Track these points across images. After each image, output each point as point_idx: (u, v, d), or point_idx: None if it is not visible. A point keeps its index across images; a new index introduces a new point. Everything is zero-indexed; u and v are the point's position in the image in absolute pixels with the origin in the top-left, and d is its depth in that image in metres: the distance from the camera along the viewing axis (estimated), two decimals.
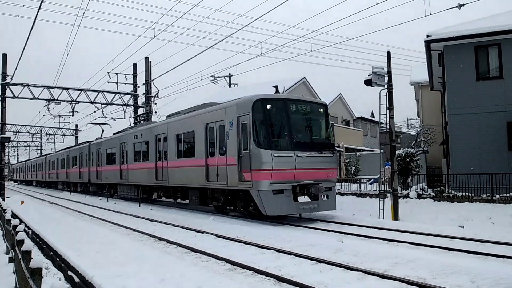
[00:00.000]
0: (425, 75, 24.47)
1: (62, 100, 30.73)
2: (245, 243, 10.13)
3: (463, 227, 11.60)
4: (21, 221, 15.68)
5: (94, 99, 30.86)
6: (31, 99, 29.15)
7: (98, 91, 30.95)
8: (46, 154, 53.64)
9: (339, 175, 22.60)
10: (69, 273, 8.39)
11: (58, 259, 9.73)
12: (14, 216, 16.01)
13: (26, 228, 14.14)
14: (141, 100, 32.84)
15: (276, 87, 14.85)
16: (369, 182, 23.12)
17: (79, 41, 35.23)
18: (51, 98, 30.05)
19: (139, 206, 21.42)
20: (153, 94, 31.60)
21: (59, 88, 29.94)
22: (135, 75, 33.51)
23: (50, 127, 56.36)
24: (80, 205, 24.56)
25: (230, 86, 42.49)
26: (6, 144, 36.47)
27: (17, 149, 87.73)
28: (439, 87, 24.51)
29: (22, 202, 25.28)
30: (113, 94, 31.55)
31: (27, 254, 5.16)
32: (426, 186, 18.45)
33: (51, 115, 39.45)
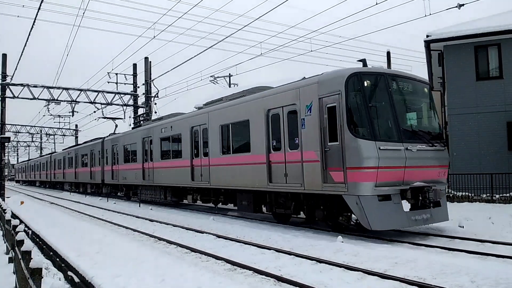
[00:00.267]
0: (425, 75, 24.47)
1: (62, 100, 30.75)
2: (245, 243, 10.13)
3: (463, 227, 11.59)
4: (21, 221, 15.68)
5: (94, 99, 30.88)
6: (31, 99, 29.17)
7: (98, 91, 30.97)
8: (52, 153, 51.01)
9: None
10: (69, 273, 8.39)
11: (58, 259, 9.73)
12: (14, 216, 16.01)
13: (26, 228, 14.14)
14: (141, 100, 32.88)
15: (363, 60, 11.17)
16: None
17: (79, 41, 35.25)
18: (51, 98, 30.06)
19: (139, 206, 21.42)
20: (153, 94, 31.63)
21: (59, 88, 29.95)
22: (135, 75, 33.52)
23: (50, 127, 56.42)
24: (80, 205, 24.56)
25: (230, 86, 42.48)
26: (6, 144, 36.48)
27: (17, 149, 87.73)
28: (439, 87, 24.53)
29: (22, 202, 25.28)
30: (113, 94, 31.56)
31: (27, 254, 5.16)
32: None
33: (51, 115, 39.58)
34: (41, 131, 60.04)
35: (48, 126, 55.88)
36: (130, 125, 31.33)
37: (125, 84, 32.68)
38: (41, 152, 71.27)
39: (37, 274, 4.41)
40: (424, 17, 15.32)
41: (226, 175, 14.51)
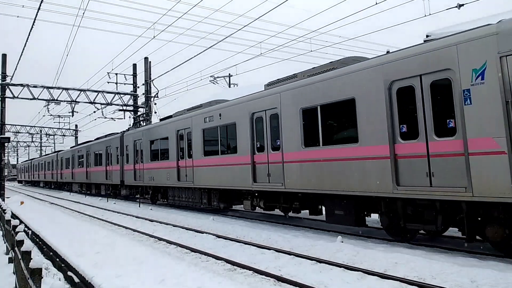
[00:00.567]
0: None
1: (61, 101, 30.72)
2: (245, 243, 10.14)
3: None
4: (21, 222, 15.69)
5: (94, 100, 30.86)
6: (30, 99, 29.15)
7: (98, 92, 30.95)
8: (58, 151, 46.84)
9: None
10: (69, 273, 8.39)
11: (58, 260, 9.73)
12: (14, 216, 16.02)
13: (26, 229, 14.14)
14: (141, 100, 32.87)
15: None
16: None
17: (79, 41, 35.26)
18: (51, 98, 30.04)
19: (139, 206, 21.41)
20: (152, 94, 31.60)
21: (58, 88, 29.94)
22: (134, 75, 33.51)
23: (50, 128, 56.41)
24: (79, 205, 24.57)
25: (229, 86, 42.49)
26: (6, 144, 36.47)
27: (17, 149, 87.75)
28: None
29: (22, 203, 25.28)
30: (113, 94, 31.55)
31: (26, 255, 5.17)
32: None
33: (51, 115, 39.49)
34: (41, 131, 60.05)
35: (48, 126, 55.92)
36: (130, 125, 31.33)
37: (125, 84, 32.68)
38: (41, 153, 71.17)
39: (37, 274, 4.41)
40: (424, 17, 15.32)
41: (308, 175, 11.02)
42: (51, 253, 10.65)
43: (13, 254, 8.02)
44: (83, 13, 25.08)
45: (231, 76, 42.27)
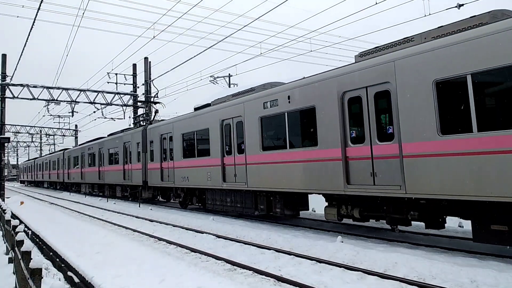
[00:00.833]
0: None
1: (61, 101, 30.70)
2: (245, 243, 10.14)
3: (462, 227, 11.59)
4: (21, 222, 15.69)
5: (94, 100, 30.84)
6: (30, 99, 29.14)
7: (98, 92, 30.94)
8: (65, 149, 43.09)
9: None
10: (69, 273, 8.40)
11: (58, 260, 9.74)
12: (14, 216, 16.02)
13: (26, 229, 14.14)
14: (141, 100, 32.86)
15: None
16: None
17: (79, 41, 35.28)
18: (51, 98, 30.02)
19: (139, 206, 21.41)
20: (152, 95, 31.60)
21: (58, 88, 29.93)
22: (134, 75, 33.52)
23: (50, 128, 56.41)
24: (79, 205, 24.58)
25: (229, 86, 42.47)
26: (6, 144, 36.48)
27: (17, 149, 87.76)
28: None
29: (21, 203, 25.28)
30: (113, 95, 31.56)
31: (26, 255, 5.17)
32: None
33: (51, 115, 39.48)
34: (40, 131, 60.03)
35: (47, 126, 55.92)
36: (129, 125, 31.33)
37: (124, 84, 32.69)
38: (41, 153, 71.13)
39: (37, 274, 4.41)
40: (423, 17, 15.32)
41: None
42: (51, 253, 10.65)
43: (13, 254, 8.02)
44: (83, 13, 25.09)
45: (231, 76, 42.27)
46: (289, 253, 8.70)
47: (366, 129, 9.54)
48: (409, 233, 10.92)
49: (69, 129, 57.24)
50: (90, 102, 30.83)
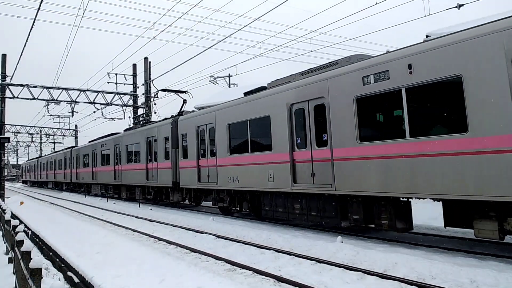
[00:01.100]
0: None
1: (61, 101, 30.76)
2: (245, 243, 10.14)
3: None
4: (21, 222, 15.70)
5: (94, 100, 30.90)
6: (30, 99, 29.18)
7: (98, 92, 31.00)
8: (72, 147, 40.20)
9: None
10: (69, 273, 8.39)
11: (57, 260, 9.74)
12: (14, 216, 16.03)
13: (26, 229, 14.15)
14: (141, 100, 32.91)
15: None
16: None
17: (79, 41, 35.27)
18: (51, 98, 30.07)
19: (139, 206, 21.41)
20: (152, 95, 31.63)
21: (58, 88, 29.98)
22: (134, 75, 33.57)
23: (50, 128, 56.47)
24: (79, 205, 24.58)
25: (229, 87, 42.51)
26: (6, 144, 36.48)
27: (17, 149, 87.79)
28: None
29: (21, 203, 25.28)
30: (113, 95, 31.59)
31: (26, 255, 5.17)
32: None
33: (51, 115, 39.57)
34: (40, 131, 60.10)
35: (47, 126, 55.98)
36: (130, 125, 31.33)
37: (124, 84, 32.76)
38: (40, 153, 71.08)
39: (36, 274, 4.41)
40: (424, 17, 15.34)
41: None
42: (51, 253, 10.65)
43: (13, 254, 8.03)
44: (83, 13, 25.10)
45: (231, 76, 42.30)
46: (289, 253, 8.71)
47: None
48: (408, 232, 10.91)
49: (69, 129, 57.33)
50: (90, 102, 30.88)
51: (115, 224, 15.15)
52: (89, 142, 32.67)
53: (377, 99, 9.26)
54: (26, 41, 20.45)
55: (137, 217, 16.90)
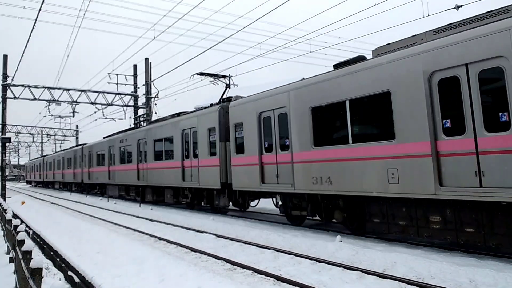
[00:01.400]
0: None
1: (62, 101, 30.84)
2: (245, 243, 10.16)
3: None
4: (22, 221, 15.74)
5: (95, 100, 30.98)
6: (31, 100, 29.26)
7: (99, 92, 31.07)
8: (83, 144, 35.90)
9: None
10: (69, 273, 8.43)
11: (58, 259, 9.77)
12: (15, 216, 16.06)
13: (27, 228, 14.19)
14: (141, 101, 32.97)
15: None
16: None
17: (80, 42, 35.31)
18: (52, 99, 30.15)
19: (139, 206, 21.43)
20: (153, 95, 31.68)
21: (59, 89, 30.05)
22: (135, 76, 33.63)
23: (51, 128, 56.56)
24: (80, 205, 24.61)
25: (229, 87, 42.53)
26: (7, 144, 36.52)
27: (18, 149, 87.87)
28: None
29: (23, 203, 25.33)
30: (114, 95, 31.65)
31: (27, 254, 5.20)
32: None
33: (52, 115, 39.62)
34: (41, 131, 60.15)
35: (48, 126, 56.08)
36: (130, 125, 31.38)
37: (125, 85, 32.83)
38: (42, 153, 71.08)
39: (37, 274, 4.43)
40: (423, 18, 15.36)
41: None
42: (51, 253, 10.69)
43: (14, 254, 8.06)
44: (84, 14, 25.13)
45: (231, 76, 42.31)
46: (289, 253, 8.73)
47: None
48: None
49: (70, 129, 57.40)
50: (91, 103, 30.95)
51: (115, 224, 15.18)
52: (104, 138, 29.36)
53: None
54: (27, 41, 20.51)
55: (137, 217, 16.93)
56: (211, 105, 16.72)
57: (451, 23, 8.74)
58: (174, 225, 13.86)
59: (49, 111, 34.85)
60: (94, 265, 8.05)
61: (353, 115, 9.95)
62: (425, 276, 6.75)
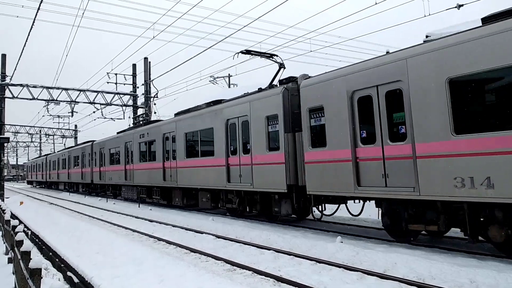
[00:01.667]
0: None
1: (61, 101, 30.78)
2: (245, 243, 10.14)
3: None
4: (20, 222, 15.68)
5: (94, 100, 30.92)
6: (30, 99, 29.18)
7: (98, 92, 31.02)
8: (93, 141, 31.81)
9: None
10: (69, 273, 8.39)
11: (57, 260, 9.73)
12: (13, 216, 16.02)
13: (25, 229, 14.13)
14: (140, 100, 32.93)
15: None
16: None
17: (79, 41, 35.28)
18: (50, 98, 30.08)
19: (139, 206, 21.39)
20: (152, 95, 31.65)
21: (58, 88, 29.98)
22: (134, 75, 33.58)
23: (50, 128, 56.47)
24: (79, 205, 24.56)
25: (229, 87, 42.51)
26: (5, 144, 36.46)
27: (16, 149, 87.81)
28: None
29: (21, 203, 25.27)
30: (113, 95, 31.61)
31: (26, 255, 5.17)
32: None
33: (51, 115, 39.56)
34: (40, 131, 60.12)
35: (47, 126, 55.98)
36: (129, 125, 31.33)
37: (124, 84, 32.78)
38: (40, 153, 70.91)
39: (36, 274, 4.41)
40: (424, 18, 15.34)
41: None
42: (50, 253, 10.65)
43: (13, 254, 8.02)
44: (83, 13, 25.12)
45: (231, 76, 42.29)
46: (289, 254, 8.70)
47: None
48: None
49: (69, 129, 57.32)
50: (90, 102, 30.90)
51: (114, 224, 15.14)
52: (118, 133, 26.57)
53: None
54: (26, 41, 20.45)
55: (136, 217, 16.89)
56: (260, 89, 13.71)
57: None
58: (174, 226, 13.83)
59: (47, 110, 34.84)
60: (93, 266, 8.01)
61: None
62: (426, 277, 6.72)
